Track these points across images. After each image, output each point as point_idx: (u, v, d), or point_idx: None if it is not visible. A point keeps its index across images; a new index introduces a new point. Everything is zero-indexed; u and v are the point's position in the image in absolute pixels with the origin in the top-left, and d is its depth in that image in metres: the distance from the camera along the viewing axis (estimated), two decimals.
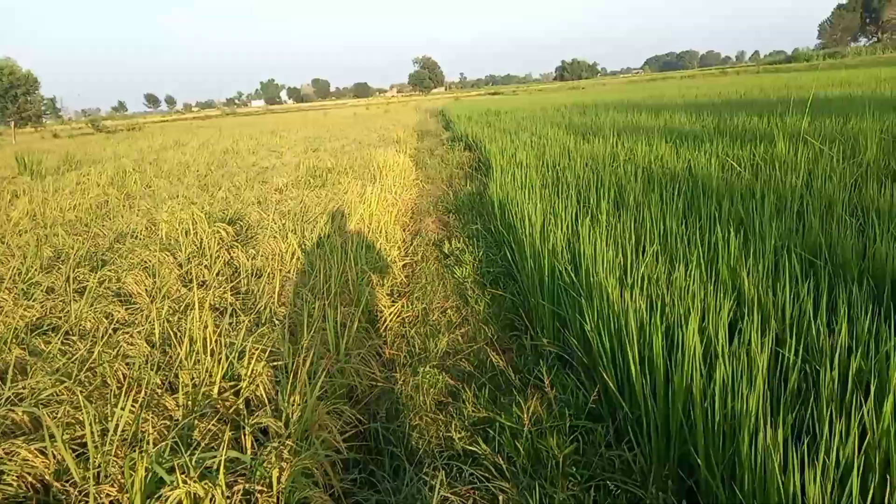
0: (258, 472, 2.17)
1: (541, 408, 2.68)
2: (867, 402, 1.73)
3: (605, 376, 2.45)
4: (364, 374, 3.29)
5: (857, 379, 1.97)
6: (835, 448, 1.66)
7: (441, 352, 3.66)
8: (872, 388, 1.82)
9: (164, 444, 2.25)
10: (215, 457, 2.13)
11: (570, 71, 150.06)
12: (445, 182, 9.82)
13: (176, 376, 2.82)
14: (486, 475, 2.39)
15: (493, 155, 8.34)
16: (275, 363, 2.96)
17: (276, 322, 3.62)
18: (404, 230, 6.92)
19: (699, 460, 1.99)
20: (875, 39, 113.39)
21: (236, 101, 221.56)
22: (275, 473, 2.16)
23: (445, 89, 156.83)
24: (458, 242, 5.65)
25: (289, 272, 4.58)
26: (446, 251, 5.59)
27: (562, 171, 6.06)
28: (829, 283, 2.73)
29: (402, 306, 4.40)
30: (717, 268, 2.85)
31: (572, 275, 3.09)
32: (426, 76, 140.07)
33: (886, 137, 5.02)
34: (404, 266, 5.44)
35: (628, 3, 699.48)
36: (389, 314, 4.15)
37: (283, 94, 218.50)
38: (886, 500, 1.64)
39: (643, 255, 3.30)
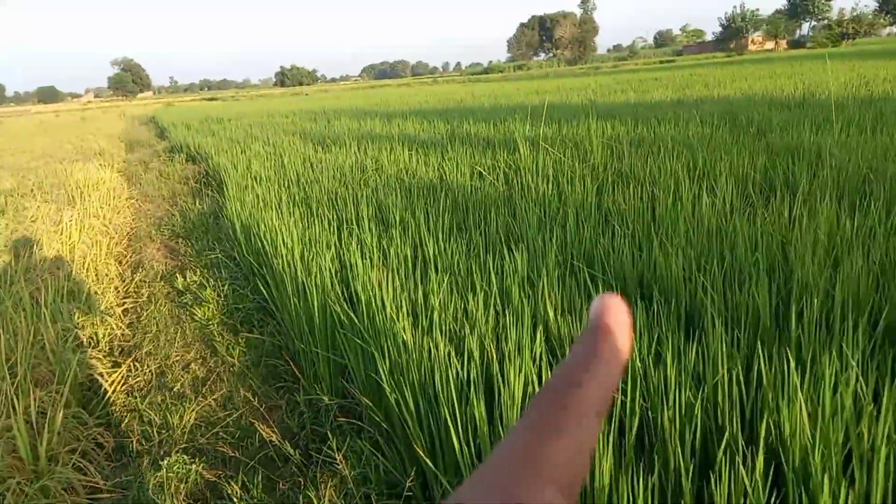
0: None
1: (337, 496, 2.12)
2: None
3: (417, 448, 1.99)
4: (80, 484, 2.38)
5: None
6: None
7: (189, 426, 2.87)
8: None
9: None
10: None
11: (291, 77, 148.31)
12: (167, 200, 8.53)
13: None
14: None
15: (223, 168, 7.40)
16: None
17: None
18: (121, 263, 5.71)
19: None
20: (552, 54, 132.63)
21: None
22: None
23: (154, 94, 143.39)
24: (195, 275, 4.76)
25: None
26: (180, 286, 4.65)
27: (308, 186, 5.50)
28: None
29: (129, 368, 3.45)
30: (508, 292, 2.59)
31: (351, 314, 2.58)
32: (129, 79, 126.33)
33: (605, 142, 5.46)
34: (126, 312, 4.38)
35: (345, 13, 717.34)
36: (112, 383, 3.19)
37: None
38: None
39: (425, 281, 2.93)
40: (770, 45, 73.36)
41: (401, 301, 2.44)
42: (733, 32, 79.55)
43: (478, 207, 4.01)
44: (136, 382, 3.30)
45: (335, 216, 4.33)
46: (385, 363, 2.20)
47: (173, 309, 4.37)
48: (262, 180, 6.13)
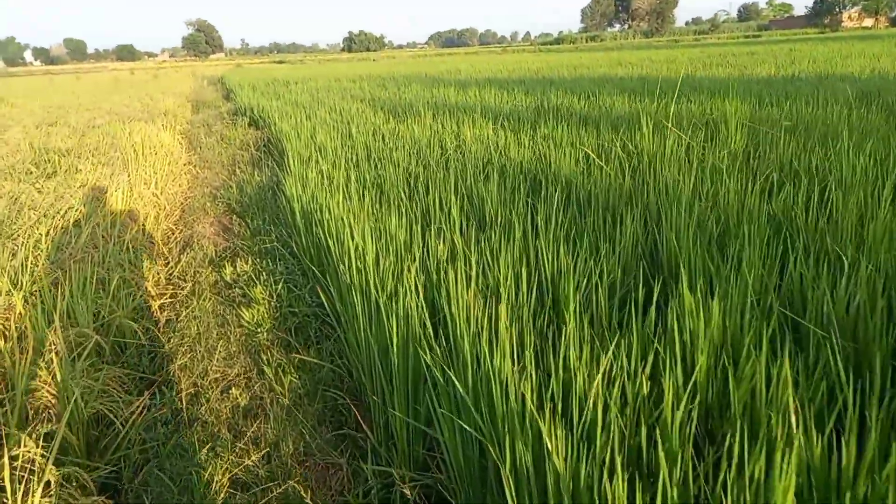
0: None
1: None
2: None
3: None
4: None
5: None
6: None
7: (221, 494, 2.15)
8: None
9: None
10: None
11: (358, 42, 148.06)
12: (227, 167, 7.93)
13: None
14: None
15: (286, 136, 6.69)
16: None
17: None
18: (168, 240, 5.09)
19: None
20: (627, 26, 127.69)
21: None
22: None
23: (226, 55, 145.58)
24: (246, 264, 4.06)
25: None
26: (228, 277, 3.97)
27: (380, 163, 4.70)
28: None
29: (154, 394, 2.76)
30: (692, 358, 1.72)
31: (450, 374, 1.77)
32: (202, 40, 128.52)
33: (745, 122, 4.42)
34: (162, 307, 3.72)
35: None
36: (127, 419, 2.50)
37: (28, 55, 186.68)
38: None
39: (551, 326, 2.09)
40: (869, 21, 67.90)
41: (527, 369, 1.61)
42: (827, 7, 74.07)
43: (596, 205, 3.12)
44: (161, 414, 2.60)
45: (415, 205, 3.52)
46: (510, 476, 1.39)
47: (218, 306, 3.68)
48: (328, 153, 5.37)
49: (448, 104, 8.70)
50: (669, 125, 4.02)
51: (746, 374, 1.51)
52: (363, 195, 3.93)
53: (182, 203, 6.45)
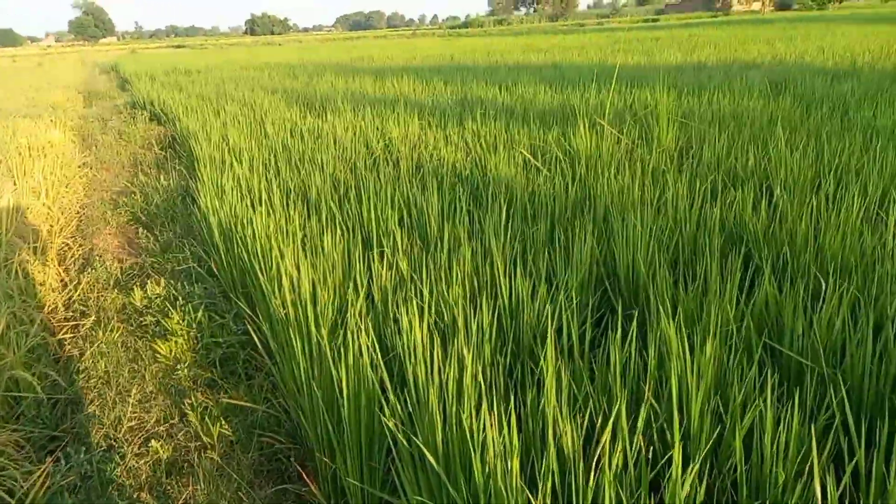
0: None
1: None
2: None
3: None
4: None
5: None
6: None
7: None
8: None
9: None
10: None
11: (261, 25, 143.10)
12: (128, 169, 7.30)
13: None
14: None
15: (194, 135, 6.19)
16: None
17: None
18: (64, 259, 4.56)
19: None
20: (533, 9, 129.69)
21: None
22: None
23: (118, 39, 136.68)
24: (158, 286, 3.66)
25: None
26: (139, 302, 3.56)
27: (303, 167, 4.37)
28: None
29: (59, 458, 2.39)
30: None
31: (418, 441, 1.56)
32: (91, 23, 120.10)
33: (675, 118, 4.40)
34: (62, 343, 3.28)
35: None
36: (33, 486, 2.13)
37: None
38: None
39: (517, 362, 1.92)
40: (756, 5, 71.95)
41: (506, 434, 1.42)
42: None
43: (543, 216, 2.97)
44: (69, 481, 2.24)
45: (349, 217, 3.26)
46: None
47: (128, 338, 3.29)
48: (243, 155, 4.97)
49: (366, 96, 8.37)
50: (605, 123, 3.93)
51: (745, 426, 1.38)
52: (287, 205, 3.62)
53: (78, 212, 5.85)
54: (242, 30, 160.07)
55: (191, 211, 4.57)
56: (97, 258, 4.44)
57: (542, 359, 1.63)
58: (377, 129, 5.61)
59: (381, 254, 2.62)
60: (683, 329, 1.68)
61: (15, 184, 5.68)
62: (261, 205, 3.52)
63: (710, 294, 1.92)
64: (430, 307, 2.10)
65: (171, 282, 3.70)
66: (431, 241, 2.79)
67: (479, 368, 1.72)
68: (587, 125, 3.95)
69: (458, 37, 52.46)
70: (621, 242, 2.39)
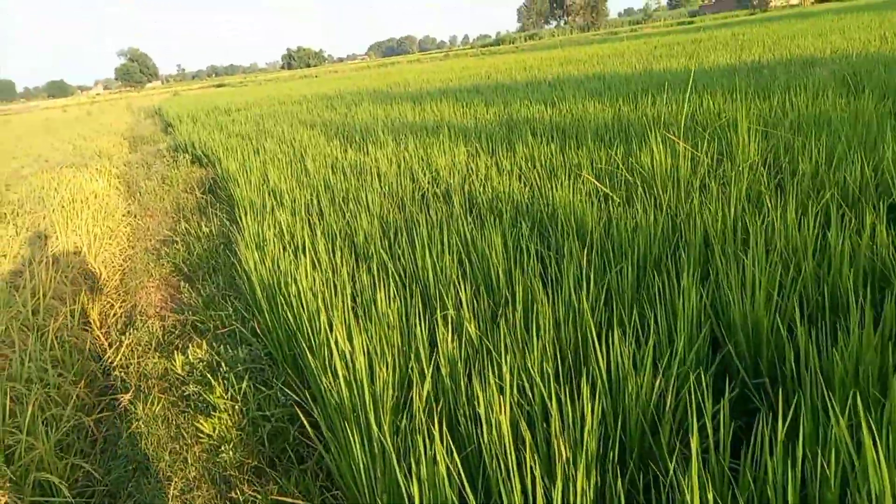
0: None
1: None
2: None
3: None
4: None
5: None
6: None
7: None
8: None
9: None
10: None
11: (297, 59, 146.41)
12: (171, 215, 7.17)
13: None
14: None
15: (233, 178, 5.99)
16: None
17: None
18: (105, 320, 4.36)
19: None
20: (563, 21, 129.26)
21: None
22: None
23: (162, 83, 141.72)
24: (200, 349, 3.38)
25: None
26: (180, 369, 3.28)
27: (346, 207, 4.07)
28: None
29: None
30: None
31: None
32: (136, 70, 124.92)
33: (757, 127, 3.93)
34: (101, 422, 3.02)
35: None
36: None
37: None
38: None
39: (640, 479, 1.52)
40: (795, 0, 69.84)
41: None
42: None
43: (623, 254, 2.56)
44: None
45: (401, 266, 2.91)
46: None
47: (170, 411, 3.00)
48: (284, 197, 4.71)
49: (406, 123, 8.10)
50: (678, 140, 3.50)
51: None
52: (333, 253, 3.30)
53: (121, 265, 5.70)
54: (280, 64, 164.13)
55: (233, 261, 4.30)
56: (139, 317, 4.22)
57: (669, 461, 1.23)
58: (421, 159, 5.30)
59: (446, 317, 2.25)
60: (856, 414, 1.26)
61: (57, 238, 5.57)
62: (304, 254, 3.22)
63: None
64: (510, 385, 1.73)
65: (214, 344, 3.42)
66: (499, 293, 2.41)
67: (589, 482, 1.33)
68: (660, 144, 3.53)
69: (491, 55, 52.40)
70: (733, 288, 1.97)
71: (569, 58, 21.15)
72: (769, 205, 2.62)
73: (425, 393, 1.77)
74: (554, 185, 3.46)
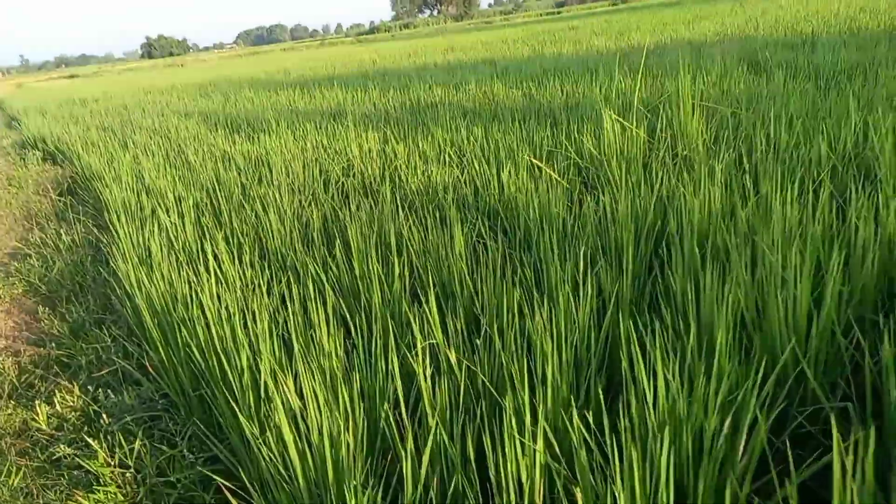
0: None
1: None
2: None
3: None
4: None
5: None
6: None
7: None
8: None
9: None
10: None
11: (159, 48, 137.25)
12: (20, 222, 6.06)
13: None
14: None
15: (99, 176, 5.08)
16: None
17: None
18: None
19: None
20: (437, 11, 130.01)
21: None
22: None
23: (2, 75, 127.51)
24: (71, 395, 2.64)
25: None
26: (45, 425, 2.54)
27: (249, 205, 3.42)
28: None
29: None
30: None
31: None
32: None
33: (702, 104, 3.68)
34: None
35: None
36: None
37: None
38: None
39: None
40: None
41: None
42: None
43: (610, 251, 2.18)
44: None
45: (336, 284, 2.37)
46: None
47: (34, 484, 2.28)
48: (168, 199, 3.96)
49: (298, 111, 7.39)
50: (620, 119, 3.17)
51: None
52: (241, 264, 2.68)
53: None
54: (139, 54, 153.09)
55: (106, 277, 3.52)
56: None
57: None
58: (325, 148, 4.70)
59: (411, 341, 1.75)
60: None
61: None
62: (206, 268, 2.57)
63: None
64: (535, 436, 1.28)
65: (90, 387, 2.69)
66: (469, 308, 1.94)
67: None
68: (600, 119, 3.18)
69: (368, 43, 51.33)
70: (778, 287, 1.62)
71: (452, 45, 20.89)
72: (750, 185, 2.33)
73: (417, 468, 1.27)
74: (497, 171, 3.03)
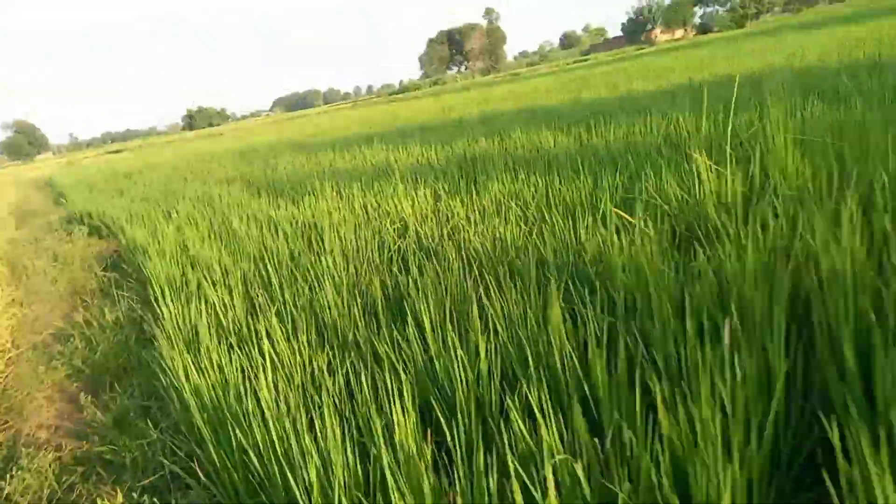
0: None
1: None
2: None
3: None
4: None
5: None
6: None
7: None
8: None
9: None
10: None
11: (199, 119, 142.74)
12: (65, 299, 5.95)
13: None
14: None
15: (142, 248, 4.93)
16: None
17: None
18: None
19: None
20: (464, 67, 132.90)
21: None
22: None
23: (54, 154, 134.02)
24: (113, 502, 2.34)
25: None
26: None
27: (307, 282, 3.15)
28: None
29: None
30: None
31: None
32: (24, 142, 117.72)
33: (798, 137, 3.33)
34: None
35: (245, 47, 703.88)
36: None
37: None
38: None
39: None
40: (679, 33, 74.62)
41: None
42: (640, 26, 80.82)
43: (774, 333, 1.81)
44: None
45: (405, 366, 2.05)
46: None
47: None
48: (213, 269, 3.73)
49: (339, 171, 7.25)
50: (703, 157, 2.83)
51: None
52: (300, 343, 2.39)
53: (3, 371, 4.47)
54: (180, 126, 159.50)
55: (149, 359, 3.27)
56: (25, 451, 3.09)
57: None
58: (374, 207, 4.46)
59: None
60: None
61: None
62: (257, 350, 2.28)
63: None
64: None
65: (134, 493, 2.38)
66: (593, 403, 1.59)
67: None
68: (681, 164, 2.85)
69: (400, 101, 52.41)
70: None
71: (485, 97, 20.98)
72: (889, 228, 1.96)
73: None
74: (575, 226, 2.71)
